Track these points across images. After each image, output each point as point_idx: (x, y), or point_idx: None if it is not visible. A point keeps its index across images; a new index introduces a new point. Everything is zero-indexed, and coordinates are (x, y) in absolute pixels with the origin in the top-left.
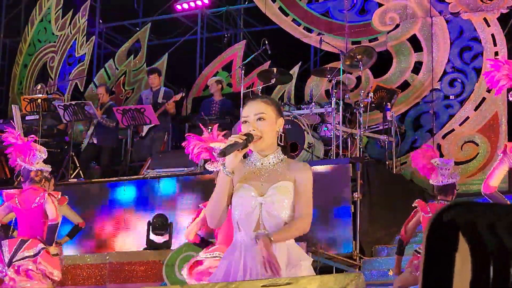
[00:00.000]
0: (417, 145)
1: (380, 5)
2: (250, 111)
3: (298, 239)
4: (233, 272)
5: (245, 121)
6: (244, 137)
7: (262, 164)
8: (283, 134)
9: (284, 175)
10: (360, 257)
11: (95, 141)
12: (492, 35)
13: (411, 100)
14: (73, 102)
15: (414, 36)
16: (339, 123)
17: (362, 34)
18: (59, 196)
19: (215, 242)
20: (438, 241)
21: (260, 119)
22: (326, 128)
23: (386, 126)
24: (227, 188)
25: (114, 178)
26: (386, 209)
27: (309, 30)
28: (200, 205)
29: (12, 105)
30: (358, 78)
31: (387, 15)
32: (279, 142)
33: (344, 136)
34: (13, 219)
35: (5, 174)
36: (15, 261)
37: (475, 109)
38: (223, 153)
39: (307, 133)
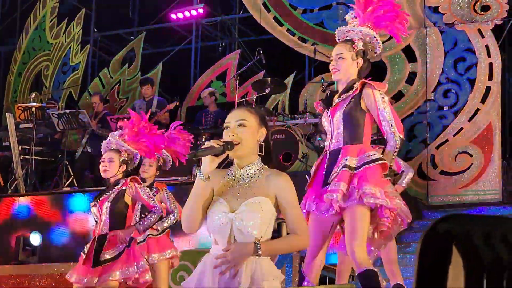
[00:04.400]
0: (411, 155)
1: None
2: (232, 117)
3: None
4: (204, 282)
5: (227, 127)
6: (222, 143)
7: (240, 175)
8: (263, 144)
9: (260, 190)
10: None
11: (89, 150)
12: (486, 46)
13: (405, 110)
14: (67, 111)
15: (409, 46)
16: None
17: None
18: None
19: None
20: (431, 252)
21: (241, 125)
22: (320, 138)
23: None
24: (202, 193)
25: None
26: None
27: (304, 40)
28: None
29: (6, 114)
30: None
31: None
32: (259, 153)
33: None
34: None
35: None
36: None
37: (469, 120)
38: (194, 155)
39: (301, 143)
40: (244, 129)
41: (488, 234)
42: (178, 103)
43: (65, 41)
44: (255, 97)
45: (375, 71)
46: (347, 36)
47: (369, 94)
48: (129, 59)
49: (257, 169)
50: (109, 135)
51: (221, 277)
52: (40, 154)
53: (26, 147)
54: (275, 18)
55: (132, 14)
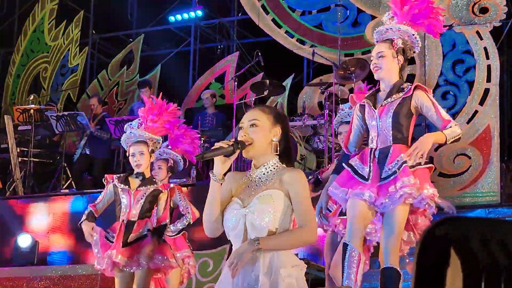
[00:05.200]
0: None
1: (373, 17)
2: (246, 117)
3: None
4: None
5: (241, 127)
6: (231, 143)
7: (256, 175)
8: (277, 143)
9: (274, 185)
10: None
11: (87, 152)
12: (485, 48)
13: None
14: (66, 113)
15: None
16: (331, 135)
17: (355, 47)
18: None
19: None
20: (429, 255)
21: (253, 125)
22: (318, 140)
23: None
24: (217, 195)
25: None
26: None
27: (302, 42)
28: None
29: (5, 116)
30: (351, 90)
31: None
32: (275, 152)
33: (337, 148)
34: None
35: None
36: None
37: (468, 122)
38: (201, 156)
39: (300, 145)
40: (255, 129)
41: (485, 237)
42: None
43: (64, 43)
44: (253, 99)
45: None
46: (385, 36)
47: (423, 96)
48: (128, 61)
49: (273, 168)
50: (127, 127)
51: (240, 273)
52: (39, 156)
53: (25, 149)
54: (273, 20)
55: (131, 16)
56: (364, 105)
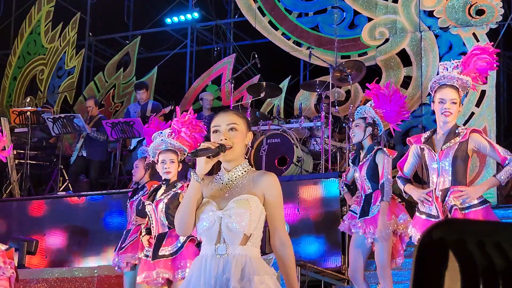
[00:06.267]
0: None
1: (369, 19)
2: (222, 121)
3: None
4: (193, 286)
5: (216, 131)
6: (217, 145)
7: (228, 179)
8: (250, 147)
9: (249, 189)
10: None
11: (84, 154)
12: None
13: None
14: (62, 115)
15: (404, 50)
16: (328, 137)
17: (352, 48)
18: None
19: None
20: (427, 259)
21: (233, 129)
22: (315, 142)
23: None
24: (196, 195)
25: (103, 192)
26: None
27: (299, 44)
28: None
29: (1, 118)
30: (348, 92)
31: (377, 30)
32: (245, 156)
33: (333, 150)
34: None
35: None
36: None
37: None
38: (195, 154)
39: (296, 147)
40: (235, 133)
41: (482, 240)
42: (173, 107)
43: (60, 45)
44: (250, 101)
45: (370, 75)
46: (451, 82)
47: (478, 137)
48: (124, 63)
49: (245, 171)
50: (157, 135)
51: (211, 274)
52: (35, 159)
53: (21, 151)
54: (270, 22)
55: (127, 19)
56: (424, 148)
